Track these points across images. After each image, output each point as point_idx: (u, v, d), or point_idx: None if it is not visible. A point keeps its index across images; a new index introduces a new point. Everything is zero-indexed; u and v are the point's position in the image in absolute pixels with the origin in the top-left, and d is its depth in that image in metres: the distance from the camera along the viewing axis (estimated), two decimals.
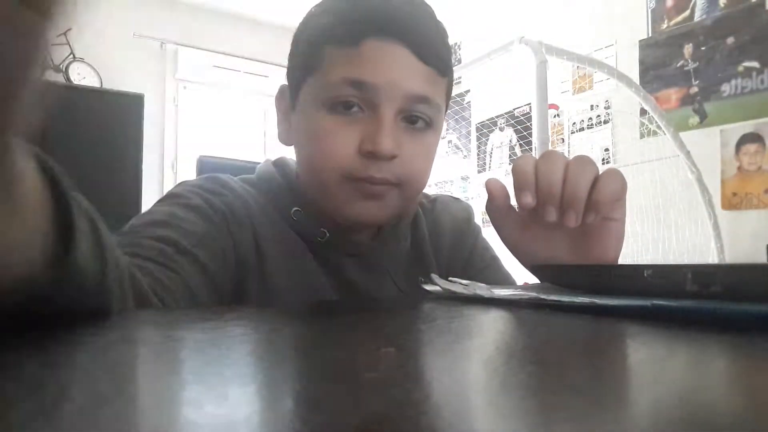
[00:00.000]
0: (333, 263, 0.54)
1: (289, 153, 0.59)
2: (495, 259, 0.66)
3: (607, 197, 0.43)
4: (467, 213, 0.69)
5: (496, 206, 0.49)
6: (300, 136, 0.53)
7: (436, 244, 0.63)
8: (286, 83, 0.55)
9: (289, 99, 0.54)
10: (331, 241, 0.53)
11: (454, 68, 0.57)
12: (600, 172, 0.44)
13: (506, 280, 0.65)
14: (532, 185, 0.44)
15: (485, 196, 0.50)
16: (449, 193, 1.09)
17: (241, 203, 0.52)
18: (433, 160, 0.54)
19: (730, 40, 2.18)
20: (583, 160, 0.44)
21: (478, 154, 3.32)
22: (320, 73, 0.49)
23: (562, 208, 0.43)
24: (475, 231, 0.67)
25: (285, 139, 0.56)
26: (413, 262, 0.60)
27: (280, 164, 0.58)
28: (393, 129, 0.48)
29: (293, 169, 0.58)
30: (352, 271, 0.55)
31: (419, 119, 0.50)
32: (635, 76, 2.42)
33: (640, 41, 2.50)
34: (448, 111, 0.66)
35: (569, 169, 0.43)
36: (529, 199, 0.43)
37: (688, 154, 1.99)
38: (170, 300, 0.40)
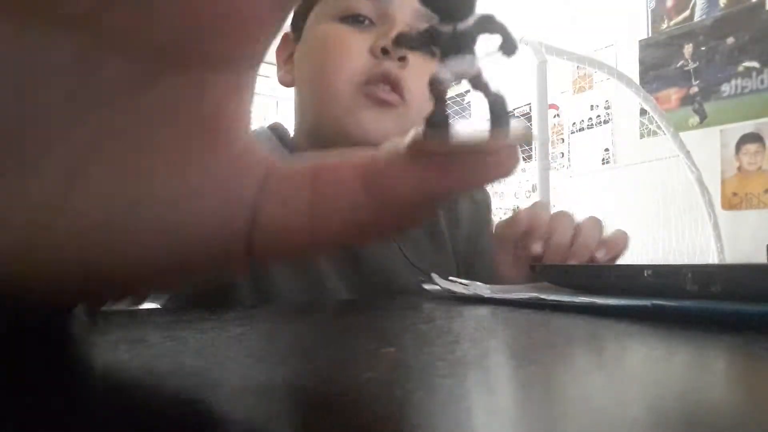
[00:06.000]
0: None
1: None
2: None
3: (605, 259, 0.47)
4: (486, 195, 0.67)
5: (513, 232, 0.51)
6: (310, 53, 0.51)
7: (452, 220, 0.60)
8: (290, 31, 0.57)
9: (293, 35, 0.55)
10: None
11: None
12: (605, 234, 0.49)
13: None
14: (543, 236, 0.48)
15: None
16: None
17: None
18: None
19: (730, 40, 2.18)
20: (594, 223, 0.49)
21: None
22: None
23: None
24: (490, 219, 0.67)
25: (286, 78, 0.55)
26: (425, 236, 0.57)
27: (275, 127, 0.58)
28: None
29: (288, 133, 0.57)
30: None
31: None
32: (635, 76, 2.42)
33: (640, 41, 2.51)
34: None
35: (580, 228, 0.48)
36: (539, 249, 0.48)
37: (688, 154, 1.99)
38: None
